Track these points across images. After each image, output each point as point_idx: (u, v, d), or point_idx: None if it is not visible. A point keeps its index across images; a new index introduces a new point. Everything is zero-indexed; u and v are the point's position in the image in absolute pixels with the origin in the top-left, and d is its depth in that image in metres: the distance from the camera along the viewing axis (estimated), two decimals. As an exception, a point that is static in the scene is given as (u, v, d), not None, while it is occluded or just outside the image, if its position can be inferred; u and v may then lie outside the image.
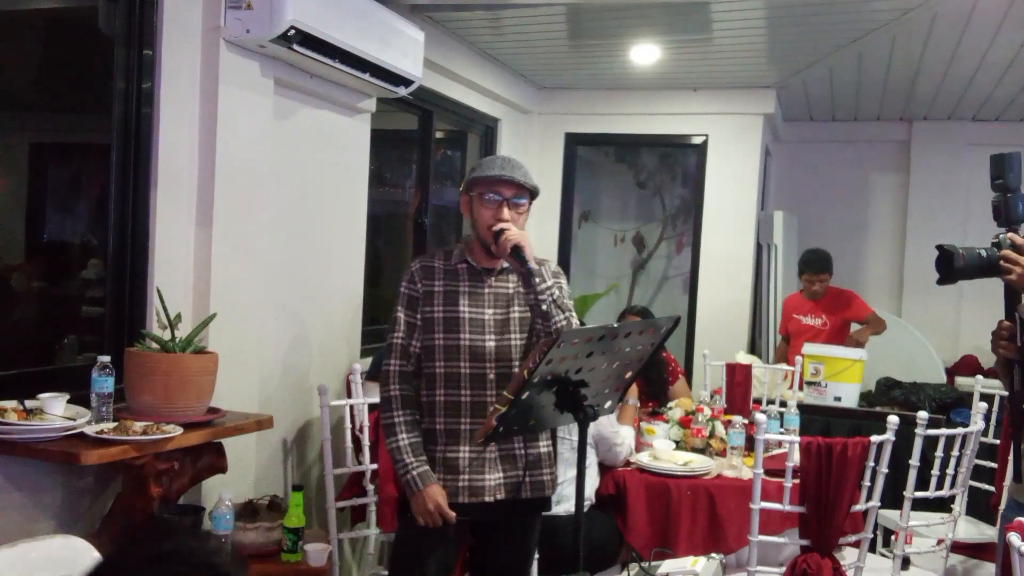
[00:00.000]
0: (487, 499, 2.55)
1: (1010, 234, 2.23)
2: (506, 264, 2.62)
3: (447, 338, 2.56)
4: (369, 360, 4.10)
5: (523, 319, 2.60)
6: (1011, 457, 2.35)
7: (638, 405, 3.98)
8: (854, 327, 5.57)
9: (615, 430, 3.46)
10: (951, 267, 2.24)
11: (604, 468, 3.54)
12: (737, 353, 5.46)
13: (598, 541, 3.34)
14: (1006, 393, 2.34)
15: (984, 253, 2.24)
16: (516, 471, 2.58)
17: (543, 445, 2.65)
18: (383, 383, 2.61)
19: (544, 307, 2.51)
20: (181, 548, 1.13)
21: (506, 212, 2.54)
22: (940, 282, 2.29)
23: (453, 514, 2.50)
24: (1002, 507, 2.65)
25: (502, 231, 2.50)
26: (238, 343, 3.14)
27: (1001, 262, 2.22)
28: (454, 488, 2.54)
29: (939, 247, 2.28)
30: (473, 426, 2.53)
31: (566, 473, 3.27)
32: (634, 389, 3.85)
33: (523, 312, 2.60)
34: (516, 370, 2.49)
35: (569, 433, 3.26)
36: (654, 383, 4.46)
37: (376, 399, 3.57)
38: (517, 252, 2.48)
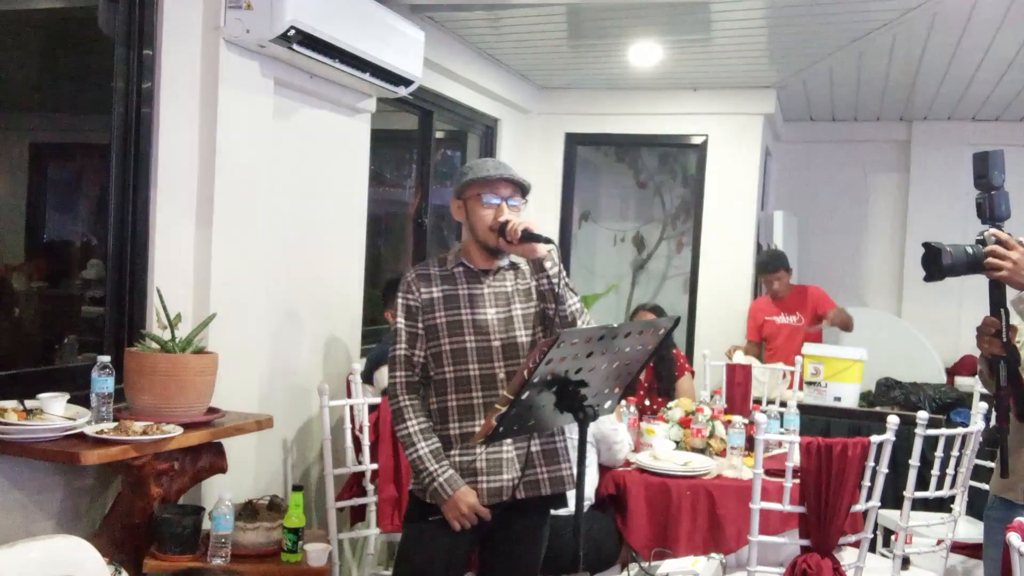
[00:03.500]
0: (505, 499, 2.52)
1: (994, 231, 2.23)
2: (503, 263, 2.63)
3: (453, 342, 2.54)
4: (369, 360, 4.10)
5: (526, 316, 2.60)
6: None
7: (631, 406, 3.97)
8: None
9: (614, 427, 3.45)
10: (939, 264, 2.24)
11: (603, 468, 3.54)
12: (734, 353, 5.46)
13: (597, 541, 3.34)
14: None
15: (971, 250, 2.25)
16: (533, 468, 2.57)
17: (558, 440, 2.65)
18: (392, 395, 2.58)
19: (559, 289, 2.51)
20: None
21: (506, 211, 2.55)
22: (927, 279, 2.29)
23: (487, 510, 2.49)
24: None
25: (507, 222, 2.50)
26: (238, 343, 3.13)
27: (989, 259, 2.22)
28: (473, 492, 2.52)
29: (925, 244, 2.28)
30: None
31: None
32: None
33: (525, 309, 2.61)
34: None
35: (570, 432, 3.26)
36: (665, 379, 4.48)
37: (374, 399, 3.61)
38: (529, 234, 2.48)
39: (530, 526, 2.63)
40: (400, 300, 2.60)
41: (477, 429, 2.49)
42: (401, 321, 2.59)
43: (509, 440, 2.52)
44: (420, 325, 2.57)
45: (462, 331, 2.55)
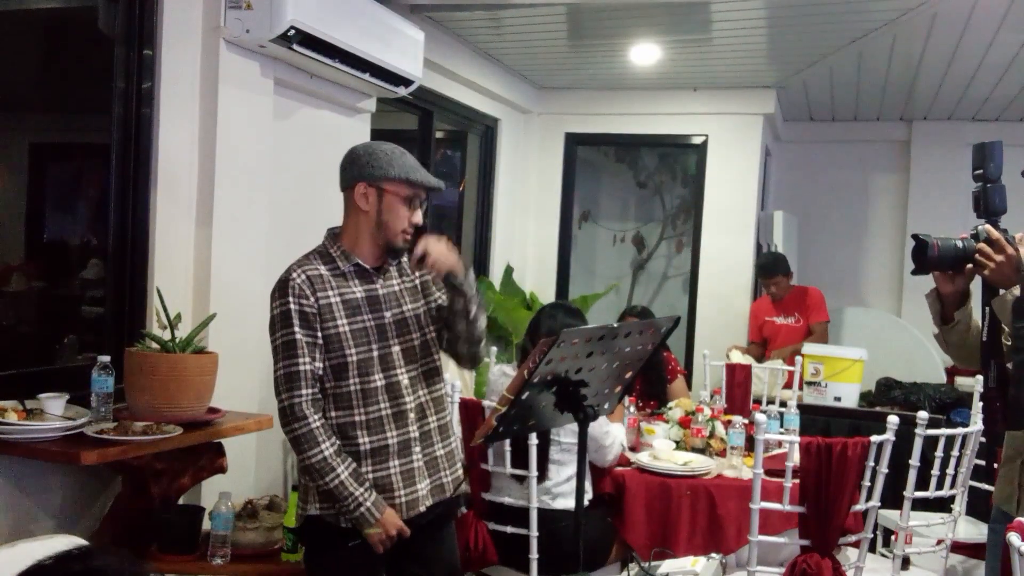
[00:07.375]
0: (422, 509, 2.41)
1: (988, 227, 2.21)
2: (392, 261, 2.48)
3: (360, 352, 2.35)
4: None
5: (417, 316, 2.47)
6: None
7: (632, 406, 3.96)
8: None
9: (605, 430, 3.40)
10: (925, 257, 2.23)
11: (597, 469, 3.51)
12: (731, 351, 5.46)
13: (592, 539, 3.32)
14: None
15: (960, 244, 2.23)
16: (438, 473, 2.47)
17: (453, 440, 2.55)
18: (294, 417, 2.29)
19: (473, 312, 2.42)
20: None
21: (418, 215, 2.43)
22: (915, 272, 2.29)
23: (407, 529, 2.37)
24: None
25: (426, 255, 2.33)
26: (238, 343, 3.13)
27: (976, 256, 2.20)
28: (391, 507, 2.38)
29: (915, 236, 2.28)
30: (400, 438, 2.39)
31: (560, 473, 3.25)
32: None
33: (415, 309, 2.47)
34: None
35: (558, 435, 3.24)
36: (654, 383, 4.45)
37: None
38: (452, 279, 2.36)
39: (445, 528, 2.55)
40: (292, 306, 2.31)
41: (390, 441, 2.38)
42: (298, 331, 2.30)
43: (418, 448, 2.42)
44: (319, 334, 2.33)
45: (368, 339, 2.36)
